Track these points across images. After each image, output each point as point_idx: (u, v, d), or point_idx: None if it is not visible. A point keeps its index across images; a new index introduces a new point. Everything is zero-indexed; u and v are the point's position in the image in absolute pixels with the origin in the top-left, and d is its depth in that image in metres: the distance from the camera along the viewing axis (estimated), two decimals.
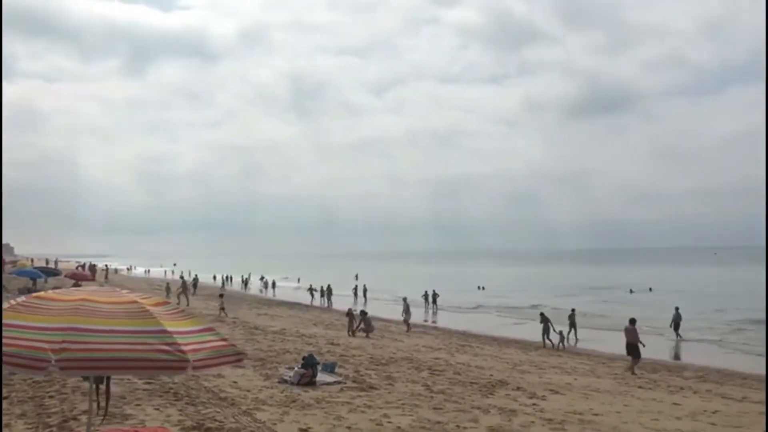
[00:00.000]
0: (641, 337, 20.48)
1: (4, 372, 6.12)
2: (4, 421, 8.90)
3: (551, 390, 14.65)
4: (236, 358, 5.61)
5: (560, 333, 26.73)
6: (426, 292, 49.31)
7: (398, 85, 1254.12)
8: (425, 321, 39.65)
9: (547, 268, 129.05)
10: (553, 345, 26.42)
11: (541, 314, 28.37)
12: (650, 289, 61.77)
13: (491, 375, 16.70)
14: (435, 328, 35.18)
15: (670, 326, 30.81)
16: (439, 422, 10.41)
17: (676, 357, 26.05)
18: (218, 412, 10.26)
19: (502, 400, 12.93)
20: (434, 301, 48.30)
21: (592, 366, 20.79)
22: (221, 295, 36.26)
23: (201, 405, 10.62)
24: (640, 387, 16.50)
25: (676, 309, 31.21)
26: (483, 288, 65.84)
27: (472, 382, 15.08)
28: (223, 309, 31.32)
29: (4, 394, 10.24)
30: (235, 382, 12.96)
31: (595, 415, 11.78)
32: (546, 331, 26.73)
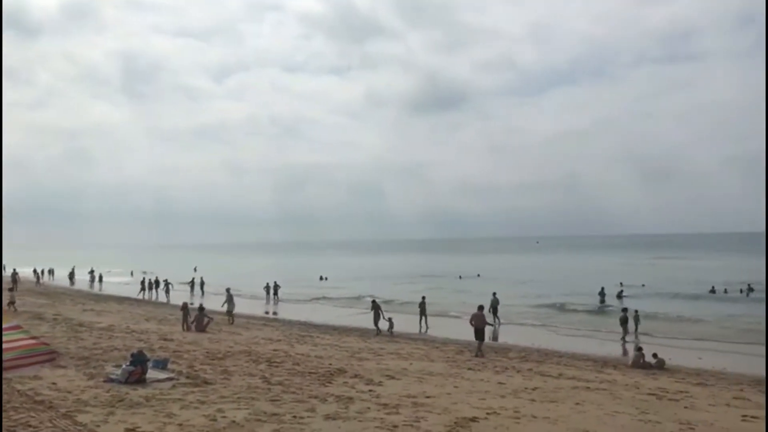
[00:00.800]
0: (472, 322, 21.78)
1: None
2: None
3: (388, 376, 15.04)
4: (49, 357, 5.16)
5: (389, 320, 27.68)
6: (267, 284, 48.73)
7: (240, 71, 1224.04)
8: (266, 313, 39.16)
9: (389, 257, 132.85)
10: (379, 331, 27.24)
11: (373, 302, 29.29)
12: (478, 275, 65.57)
13: (330, 364, 16.83)
14: (276, 319, 34.85)
15: (489, 311, 32.38)
16: (275, 414, 10.30)
17: (494, 339, 27.76)
18: (33, 417, 9.39)
19: (340, 388, 13.07)
20: (275, 293, 47.87)
21: (427, 351, 21.64)
22: (11, 289, 34.46)
23: (12, 410, 9.66)
24: (469, 369, 17.43)
25: (494, 294, 33.12)
26: (326, 278, 66.29)
27: (310, 372, 15.10)
28: (12, 303, 30.41)
29: None
30: (54, 383, 11.96)
31: (428, 397, 12.26)
32: (377, 318, 27.60)
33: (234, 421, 9.71)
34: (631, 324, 27.71)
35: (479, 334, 21.54)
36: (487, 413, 10.75)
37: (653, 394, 14.22)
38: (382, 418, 10.20)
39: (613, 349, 24.20)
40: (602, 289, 45.16)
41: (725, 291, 47.11)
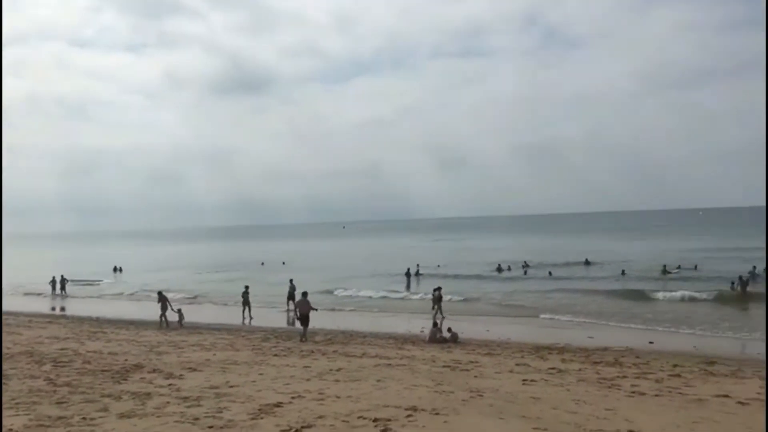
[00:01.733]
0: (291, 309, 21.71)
1: None
2: None
3: (189, 368, 14.46)
4: None
5: (179, 311, 26.75)
6: (53, 277, 44.58)
7: (17, 44, 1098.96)
8: (52, 309, 35.84)
9: (191, 246, 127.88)
10: (166, 324, 26.26)
11: (159, 293, 28.14)
12: (283, 263, 65.54)
13: (126, 360, 15.79)
14: (63, 316, 32.01)
15: (287, 298, 32.30)
16: (62, 417, 9.41)
17: (292, 324, 28.01)
18: None
19: (136, 384, 12.29)
20: (63, 288, 43.98)
21: (232, 340, 21.17)
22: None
23: None
24: (275, 355, 17.34)
25: (291, 281, 33.32)
26: (120, 270, 62.20)
27: (103, 370, 14.04)
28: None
29: None
30: None
31: (232, 387, 11.97)
32: (164, 310, 26.55)
33: (12, 430, 8.71)
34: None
35: (304, 320, 21.67)
36: (292, 397, 10.75)
37: (448, 366, 15.21)
38: (182, 412, 9.77)
39: (414, 326, 25.45)
40: (408, 270, 47.58)
41: (509, 269, 51.76)
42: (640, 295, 33.60)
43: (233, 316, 30.34)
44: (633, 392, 12.08)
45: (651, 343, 21.02)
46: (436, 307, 28.83)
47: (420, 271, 48.68)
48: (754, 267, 38.30)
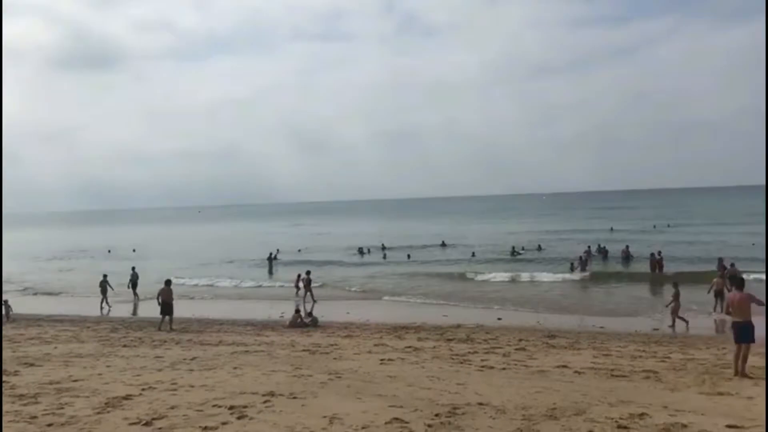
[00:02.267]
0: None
1: None
2: None
3: (26, 364, 13.33)
4: None
5: (5, 302, 24.67)
6: None
7: None
8: None
9: (27, 232, 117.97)
10: None
11: None
12: (134, 251, 62.21)
13: None
14: None
15: (128, 286, 30.94)
16: None
17: (134, 313, 26.92)
18: None
19: None
20: None
21: (76, 332, 19.81)
22: None
23: None
24: (125, 346, 16.45)
25: (133, 269, 31.82)
26: None
27: None
28: None
29: None
30: None
31: (75, 381, 11.18)
32: None
33: None
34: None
35: (167, 308, 21.02)
36: (142, 389, 10.23)
37: (307, 350, 15.19)
38: (17, 411, 8.97)
39: (275, 312, 25.12)
40: (270, 255, 46.94)
41: (368, 252, 52.63)
42: (490, 275, 35.41)
43: (77, 306, 28.44)
44: (483, 366, 12.72)
45: (500, 319, 22.26)
46: (306, 291, 28.79)
47: (277, 257, 48.08)
48: (589, 247, 41.61)
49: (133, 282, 30.68)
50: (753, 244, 44.48)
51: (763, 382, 11.17)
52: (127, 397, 9.60)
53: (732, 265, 26.55)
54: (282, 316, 23.39)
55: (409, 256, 48.41)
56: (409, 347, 15.62)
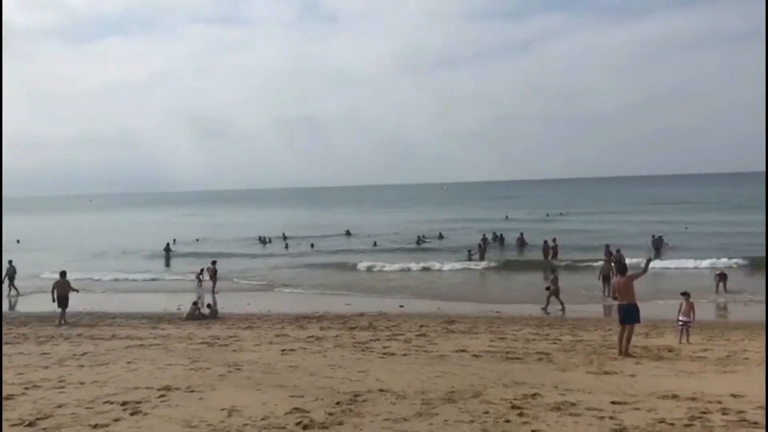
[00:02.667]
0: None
1: None
2: None
3: None
4: None
5: None
6: None
7: None
8: None
9: None
10: None
11: None
12: (18, 242, 58.14)
13: None
14: None
15: (3, 280, 28.89)
16: None
17: (13, 308, 25.48)
18: None
19: None
20: None
21: None
22: None
23: None
24: (6, 343, 15.37)
25: (10, 262, 29.96)
26: None
27: None
28: None
29: None
30: None
31: None
32: None
33: None
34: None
35: (63, 302, 20.15)
36: (25, 388, 9.61)
37: (205, 343, 14.82)
38: None
39: (172, 305, 24.31)
40: (167, 245, 45.33)
41: (269, 241, 51.95)
42: (393, 265, 35.82)
43: None
44: (384, 353, 12.86)
45: (402, 307, 22.60)
46: (213, 281, 28.16)
47: (172, 248, 46.20)
48: (485, 235, 42.95)
49: (10, 276, 28.82)
50: (686, 228, 49.58)
51: (645, 360, 11.94)
52: (9, 398, 9.00)
53: (618, 251, 28.18)
54: (180, 309, 22.68)
55: (312, 245, 48.20)
56: (312, 337, 15.56)
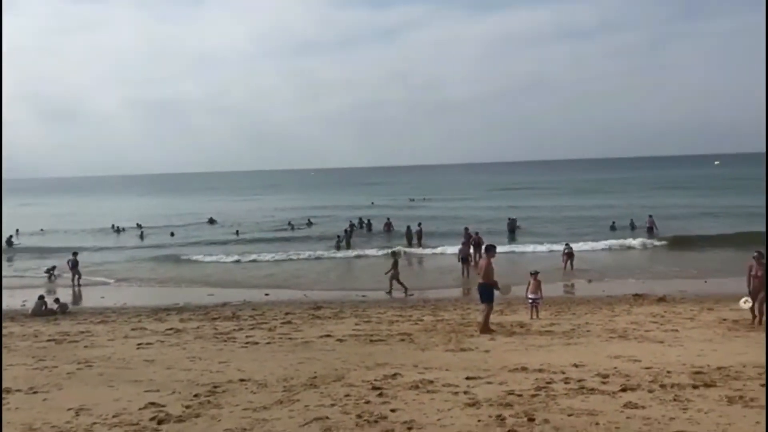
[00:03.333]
0: None
1: None
2: None
3: None
4: None
5: None
6: None
7: None
8: None
9: None
10: None
11: None
12: None
13: None
14: None
15: None
16: None
17: None
18: None
19: None
20: None
21: None
22: None
23: None
24: None
25: None
26: None
27: None
28: None
29: None
30: None
31: None
32: None
33: None
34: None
35: None
36: None
37: (53, 340, 13.85)
38: None
39: (14, 301, 22.40)
40: (10, 237, 41.65)
41: (123, 230, 49.27)
42: (258, 253, 35.23)
43: None
44: (247, 343, 12.65)
45: (267, 295, 22.29)
46: (74, 274, 26.31)
47: (14, 240, 42.37)
48: (351, 222, 43.30)
49: None
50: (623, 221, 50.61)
51: (499, 336, 12.61)
52: None
53: (476, 233, 29.46)
54: (24, 305, 20.98)
55: (172, 234, 46.33)
56: (171, 329, 14.98)
